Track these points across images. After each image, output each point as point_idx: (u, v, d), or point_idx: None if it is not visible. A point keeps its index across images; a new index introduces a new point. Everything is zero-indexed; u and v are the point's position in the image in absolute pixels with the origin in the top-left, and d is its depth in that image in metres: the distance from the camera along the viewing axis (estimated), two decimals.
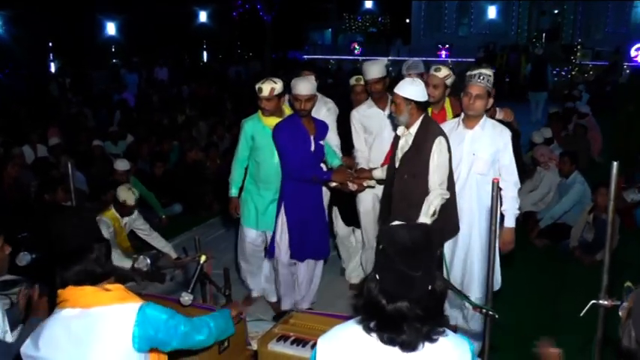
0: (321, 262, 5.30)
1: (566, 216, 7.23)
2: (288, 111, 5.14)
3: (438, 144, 4.03)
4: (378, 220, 4.88)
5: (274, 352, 3.02)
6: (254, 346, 3.22)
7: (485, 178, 4.22)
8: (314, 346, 2.96)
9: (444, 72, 4.88)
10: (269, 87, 4.86)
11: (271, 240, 5.04)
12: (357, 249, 5.99)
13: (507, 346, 4.49)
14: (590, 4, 24.45)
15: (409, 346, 1.90)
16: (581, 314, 2.53)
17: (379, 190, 5.00)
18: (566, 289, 5.94)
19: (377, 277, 1.94)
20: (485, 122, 4.33)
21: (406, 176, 4.15)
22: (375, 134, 5.24)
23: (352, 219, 5.76)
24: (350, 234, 6.01)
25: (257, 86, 4.91)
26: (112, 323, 2.18)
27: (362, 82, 5.51)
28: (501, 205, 4.25)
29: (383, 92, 5.17)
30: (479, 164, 4.29)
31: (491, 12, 26.64)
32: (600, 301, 2.54)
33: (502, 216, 4.30)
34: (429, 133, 4.07)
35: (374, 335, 1.94)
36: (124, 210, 5.92)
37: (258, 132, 5.02)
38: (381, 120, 5.19)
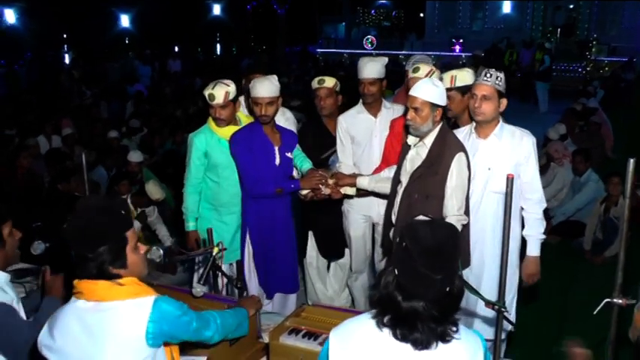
0: (293, 297, 4.60)
1: (579, 213, 7.19)
2: (244, 118, 4.46)
3: (458, 161, 3.41)
4: (381, 247, 4.25)
5: (285, 345, 3.02)
6: (265, 339, 3.22)
7: (503, 198, 3.44)
8: (325, 339, 2.97)
9: (424, 70, 4.05)
10: (222, 91, 4.13)
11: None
12: (324, 275, 5.18)
13: (520, 342, 4.48)
14: None
15: (422, 345, 1.89)
16: (595, 312, 2.51)
17: (374, 211, 4.55)
18: (578, 287, 5.91)
19: (395, 271, 1.91)
20: (503, 129, 3.71)
21: (416, 196, 3.50)
22: (363, 145, 4.47)
23: (332, 250, 4.93)
24: (322, 267, 5.10)
25: (206, 93, 4.17)
26: (125, 319, 2.16)
27: (326, 85, 4.63)
28: (522, 227, 3.81)
29: (378, 96, 4.41)
30: (496, 181, 3.63)
31: (506, 7, 26.45)
32: (614, 300, 2.52)
33: (523, 239, 3.85)
34: (446, 146, 3.44)
35: (386, 330, 1.93)
36: (143, 203, 5.95)
37: (213, 147, 4.27)
38: (371, 128, 4.44)
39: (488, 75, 3.58)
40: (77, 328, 2.18)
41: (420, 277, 1.84)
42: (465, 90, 3.90)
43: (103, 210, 2.22)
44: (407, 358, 1.91)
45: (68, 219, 2.22)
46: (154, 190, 5.99)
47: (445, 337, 1.91)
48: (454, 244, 1.94)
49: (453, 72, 3.98)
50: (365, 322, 2.00)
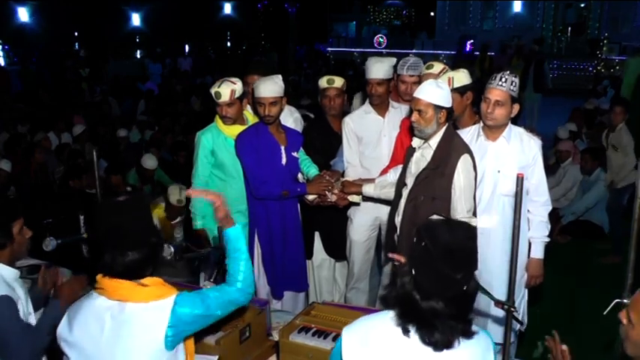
0: (302, 295, 4.63)
1: (589, 213, 7.16)
2: (251, 117, 4.45)
3: (464, 162, 3.38)
4: (383, 249, 4.18)
5: (295, 343, 3.02)
6: (275, 337, 3.23)
7: (512, 200, 3.45)
8: (335, 337, 2.98)
9: (437, 67, 4.06)
10: (228, 89, 4.14)
11: None
12: (331, 279, 5.10)
13: (528, 343, 4.47)
14: None
15: (443, 345, 1.89)
16: (605, 313, 2.51)
17: (383, 211, 4.37)
18: (588, 286, 5.92)
19: (413, 271, 1.90)
20: (511, 132, 3.68)
21: (422, 198, 3.46)
22: (372, 146, 4.43)
23: (338, 249, 4.86)
24: (329, 268, 5.04)
25: (213, 91, 4.17)
26: (145, 323, 2.17)
27: (335, 85, 4.61)
28: (528, 229, 3.79)
29: (385, 97, 4.38)
30: (505, 183, 3.60)
31: (517, 5, 26.38)
32: (624, 300, 2.51)
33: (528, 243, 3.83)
34: (452, 148, 3.41)
35: (409, 333, 1.92)
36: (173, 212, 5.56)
37: (219, 145, 4.29)
38: (380, 128, 4.40)
39: (503, 80, 3.53)
40: (96, 325, 2.20)
41: (440, 276, 1.85)
42: (464, 90, 3.88)
43: (145, 207, 2.28)
44: (424, 359, 1.92)
45: (103, 219, 2.24)
46: (174, 194, 5.58)
47: (466, 334, 1.92)
48: (473, 244, 1.95)
49: (450, 73, 3.92)
50: (382, 322, 1.99)
